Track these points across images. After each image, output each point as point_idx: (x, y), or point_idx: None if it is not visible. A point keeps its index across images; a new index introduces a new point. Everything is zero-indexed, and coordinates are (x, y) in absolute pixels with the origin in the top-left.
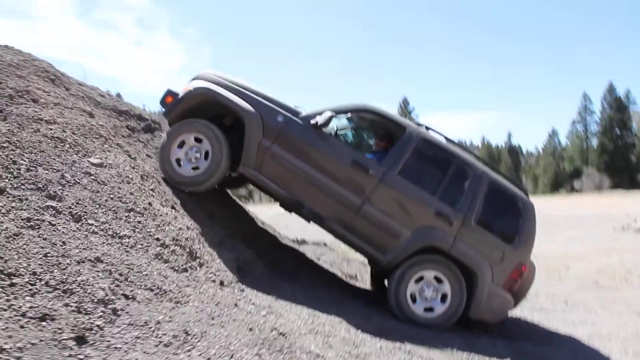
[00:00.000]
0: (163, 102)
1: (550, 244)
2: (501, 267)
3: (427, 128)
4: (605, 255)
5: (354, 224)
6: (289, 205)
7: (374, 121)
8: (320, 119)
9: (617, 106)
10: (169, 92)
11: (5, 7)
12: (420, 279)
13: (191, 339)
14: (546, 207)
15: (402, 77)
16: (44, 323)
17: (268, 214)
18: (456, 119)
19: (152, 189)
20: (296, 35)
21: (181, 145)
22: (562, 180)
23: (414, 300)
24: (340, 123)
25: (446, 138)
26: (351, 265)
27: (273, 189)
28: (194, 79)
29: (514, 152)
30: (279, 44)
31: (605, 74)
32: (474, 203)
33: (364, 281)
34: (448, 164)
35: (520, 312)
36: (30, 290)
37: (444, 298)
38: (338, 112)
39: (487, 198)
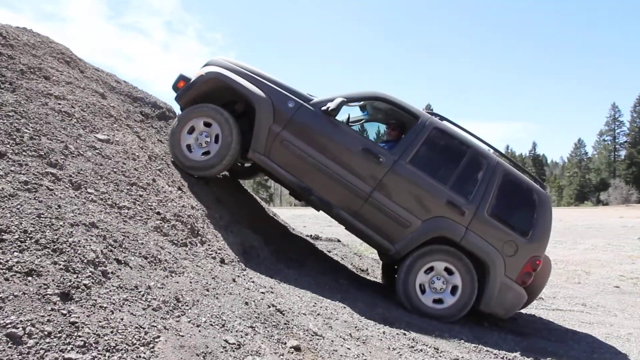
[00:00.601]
0: (175, 87)
1: (572, 251)
2: (514, 260)
3: (442, 118)
4: (628, 263)
5: (363, 212)
6: (298, 192)
7: (387, 110)
8: (331, 105)
9: None
10: (182, 77)
11: (43, 12)
12: (431, 269)
13: (182, 305)
14: (570, 217)
15: (427, 85)
16: (29, 278)
17: (286, 215)
18: (480, 129)
19: (159, 169)
20: (322, 42)
21: (191, 130)
22: (588, 191)
23: (423, 291)
24: (353, 113)
25: (461, 128)
26: (363, 260)
27: (282, 175)
28: (206, 65)
29: (538, 161)
30: (304, 52)
31: (635, 85)
32: (488, 194)
33: (376, 276)
34: (461, 153)
35: (535, 311)
36: (19, 246)
37: (454, 290)
38: (350, 99)
39: (501, 189)
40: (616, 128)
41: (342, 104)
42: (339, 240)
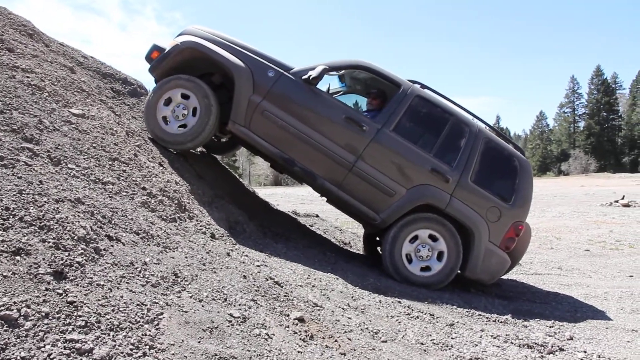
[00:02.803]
0: (149, 58)
1: (541, 219)
2: (498, 225)
3: (423, 86)
4: (594, 228)
5: (347, 182)
6: (280, 163)
7: (367, 79)
8: (313, 74)
9: (604, 89)
10: (155, 47)
11: None
12: (415, 238)
13: (181, 281)
14: (535, 187)
15: (387, 62)
16: (18, 257)
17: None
18: None
19: (137, 145)
20: (288, 20)
21: (168, 102)
22: (550, 162)
23: (409, 260)
24: (333, 84)
25: (442, 96)
26: (344, 234)
27: (263, 146)
28: (180, 34)
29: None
30: (270, 31)
31: (593, 57)
32: (471, 161)
33: (358, 248)
34: (444, 121)
35: (515, 276)
36: (2, 224)
37: (440, 256)
38: (332, 67)
39: (483, 156)
40: (575, 100)
41: (324, 72)
42: (317, 216)
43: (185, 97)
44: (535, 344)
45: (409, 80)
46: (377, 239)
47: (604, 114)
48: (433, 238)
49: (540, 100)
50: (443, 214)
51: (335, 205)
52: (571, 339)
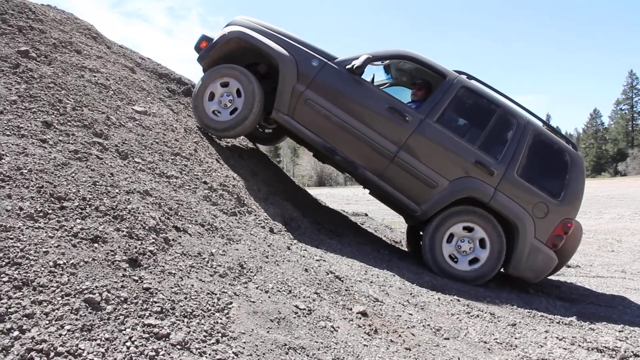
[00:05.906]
0: (197, 48)
1: (598, 220)
2: (545, 222)
3: (470, 77)
4: None
5: (389, 173)
6: (323, 152)
7: (412, 70)
8: (356, 63)
9: None
10: (204, 38)
11: (43, 2)
12: (452, 236)
13: (247, 272)
14: (589, 188)
15: (436, 58)
16: (95, 245)
17: None
18: None
19: (196, 142)
20: (326, 21)
21: (212, 97)
22: (605, 162)
23: (455, 260)
24: (379, 76)
25: (490, 87)
26: (394, 232)
27: (306, 135)
28: (228, 25)
29: None
30: (310, 32)
31: None
32: (517, 154)
33: None
34: (490, 112)
35: (575, 278)
36: (80, 213)
37: (482, 244)
38: (375, 57)
39: (531, 149)
40: (634, 96)
41: (367, 61)
42: (366, 214)
43: (225, 85)
44: (606, 347)
45: (455, 71)
46: (421, 233)
47: None
48: (470, 229)
49: (594, 97)
50: (486, 207)
51: (376, 196)
52: None
